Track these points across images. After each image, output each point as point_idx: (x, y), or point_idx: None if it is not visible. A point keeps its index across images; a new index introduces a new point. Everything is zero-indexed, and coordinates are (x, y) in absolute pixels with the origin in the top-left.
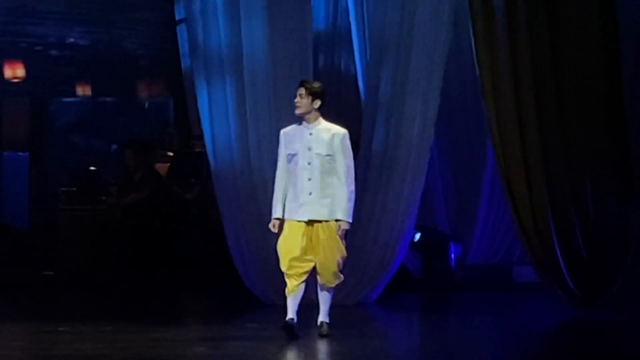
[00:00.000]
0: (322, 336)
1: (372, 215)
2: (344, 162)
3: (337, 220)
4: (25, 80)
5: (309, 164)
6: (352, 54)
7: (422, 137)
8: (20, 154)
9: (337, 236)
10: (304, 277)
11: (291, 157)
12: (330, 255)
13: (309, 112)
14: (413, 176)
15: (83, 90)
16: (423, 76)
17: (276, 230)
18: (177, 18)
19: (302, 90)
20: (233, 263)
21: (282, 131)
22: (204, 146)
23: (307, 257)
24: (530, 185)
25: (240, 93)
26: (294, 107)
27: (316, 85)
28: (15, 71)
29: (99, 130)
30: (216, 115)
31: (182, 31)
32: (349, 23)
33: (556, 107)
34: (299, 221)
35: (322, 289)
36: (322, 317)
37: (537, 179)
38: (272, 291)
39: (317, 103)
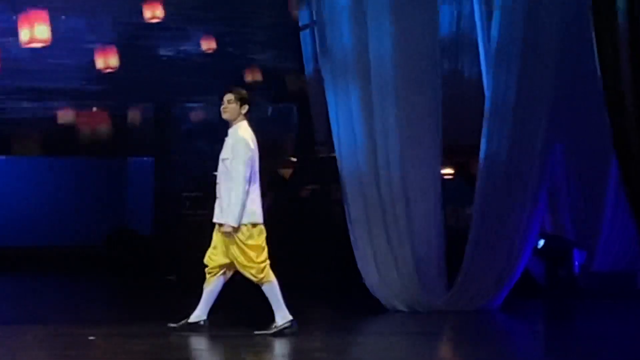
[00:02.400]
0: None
1: (495, 222)
2: (235, 166)
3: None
4: (150, 86)
5: (218, 167)
6: (475, 59)
7: (545, 144)
8: (145, 159)
9: (242, 238)
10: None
11: None
12: (231, 255)
13: (235, 118)
14: (536, 183)
15: (207, 96)
16: (548, 83)
17: None
18: (300, 24)
19: (230, 97)
20: (357, 268)
21: None
22: (327, 151)
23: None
24: None
25: (366, 97)
26: (419, 111)
27: (243, 92)
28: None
29: (223, 136)
30: (342, 119)
31: (305, 36)
32: (473, 29)
33: None
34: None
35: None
36: (275, 315)
37: None
38: (394, 297)
39: (245, 108)
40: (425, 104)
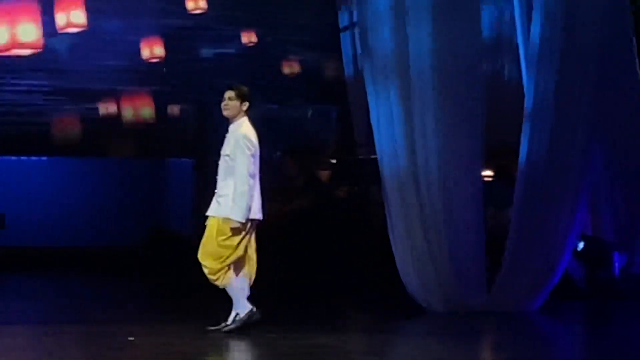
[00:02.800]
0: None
1: (534, 223)
2: (239, 162)
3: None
4: (191, 87)
5: (220, 164)
6: (515, 60)
7: (586, 145)
8: (185, 160)
9: (215, 233)
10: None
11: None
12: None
13: (236, 115)
14: (576, 184)
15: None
16: (588, 83)
17: None
18: (340, 25)
19: (231, 94)
20: (396, 270)
21: None
22: (366, 153)
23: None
24: None
25: (405, 99)
26: (460, 113)
27: (245, 88)
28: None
29: (261, 137)
30: (383, 121)
31: (345, 38)
32: (513, 29)
33: None
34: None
35: None
36: (233, 308)
37: None
38: (433, 299)
39: (246, 105)
40: (466, 106)
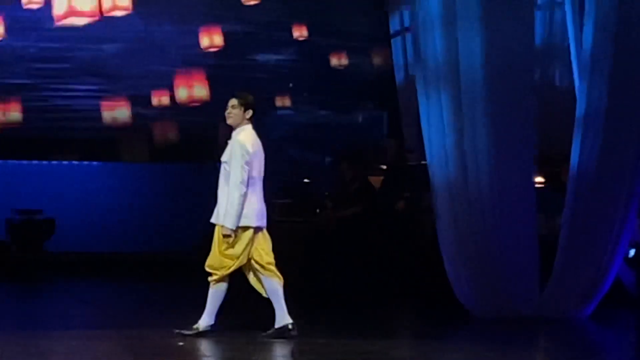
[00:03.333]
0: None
1: (585, 230)
2: (233, 169)
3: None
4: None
5: (220, 171)
6: (567, 66)
7: (638, 152)
8: None
9: (218, 240)
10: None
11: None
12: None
13: (239, 123)
14: (627, 191)
15: (297, 103)
16: None
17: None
18: (392, 31)
19: (235, 102)
20: (445, 275)
21: None
22: (417, 159)
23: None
24: None
25: (456, 105)
26: (512, 120)
27: (249, 97)
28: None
29: (313, 143)
30: (433, 127)
31: (396, 44)
32: (565, 35)
33: None
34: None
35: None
36: (204, 314)
37: None
38: (483, 305)
39: (249, 113)
40: (518, 113)
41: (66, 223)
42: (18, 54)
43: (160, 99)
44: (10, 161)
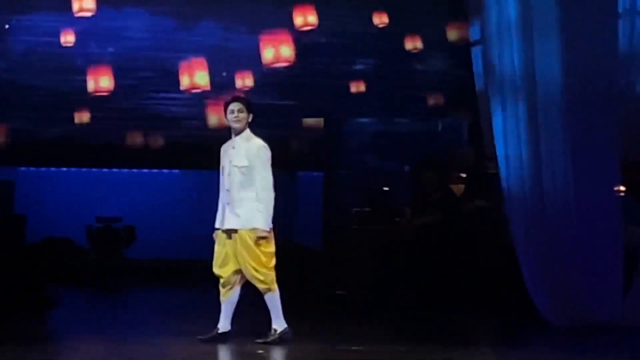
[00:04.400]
0: (263, 342)
1: None
2: (260, 174)
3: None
4: (321, 101)
5: (229, 175)
6: None
7: None
8: (314, 174)
9: (253, 244)
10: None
11: (222, 170)
12: (243, 262)
13: (244, 127)
14: None
15: (376, 112)
16: None
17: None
18: (471, 39)
19: (240, 106)
20: (524, 284)
21: (222, 146)
22: (497, 167)
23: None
24: None
25: (532, 115)
26: (593, 130)
27: (249, 100)
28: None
29: (392, 151)
30: (509, 137)
31: (476, 51)
32: None
33: None
34: (222, 230)
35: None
36: (273, 323)
37: None
38: (563, 314)
39: (251, 117)
40: (599, 122)
41: (146, 230)
42: (100, 61)
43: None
44: (92, 169)
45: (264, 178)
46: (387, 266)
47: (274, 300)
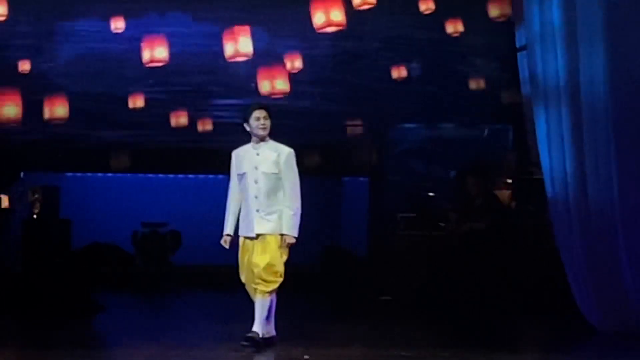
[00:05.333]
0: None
1: None
2: (291, 180)
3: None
4: (366, 107)
5: (255, 182)
6: None
7: None
8: (360, 179)
9: (278, 248)
10: None
11: (241, 177)
12: (259, 259)
13: (268, 133)
14: None
15: (421, 117)
16: None
17: (227, 246)
18: (517, 45)
19: (265, 113)
20: (571, 291)
21: (233, 152)
22: (541, 173)
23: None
24: None
25: (577, 122)
26: (634, 137)
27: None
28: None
29: (437, 157)
30: (553, 144)
31: (522, 57)
32: None
33: None
34: (250, 238)
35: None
36: (256, 326)
37: None
38: (610, 320)
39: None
40: None
41: (192, 236)
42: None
43: (289, 112)
44: (137, 174)
45: (296, 185)
46: (433, 271)
47: (264, 306)
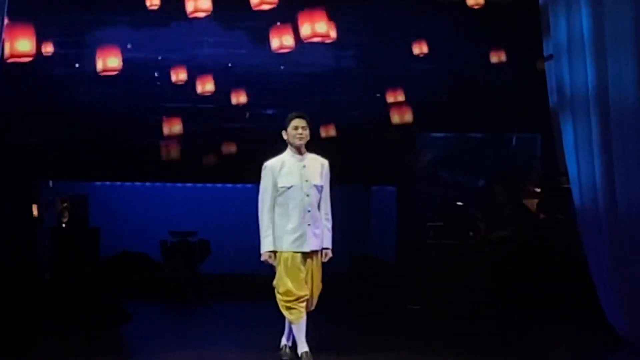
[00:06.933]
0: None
1: None
2: (328, 192)
3: (324, 249)
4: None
5: (307, 195)
6: None
7: None
8: (388, 188)
9: (321, 263)
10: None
11: (284, 190)
12: (309, 279)
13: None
14: None
15: (449, 127)
16: None
17: (275, 263)
18: (545, 54)
19: (304, 123)
20: (598, 300)
21: (267, 164)
22: (569, 182)
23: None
24: None
25: (605, 133)
26: None
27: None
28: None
29: (465, 165)
30: (581, 154)
31: (549, 66)
32: None
33: None
34: (303, 253)
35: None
36: (303, 347)
37: None
38: (638, 330)
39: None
40: None
41: (221, 245)
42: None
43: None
44: (166, 183)
45: (329, 196)
46: (461, 280)
47: (302, 324)
